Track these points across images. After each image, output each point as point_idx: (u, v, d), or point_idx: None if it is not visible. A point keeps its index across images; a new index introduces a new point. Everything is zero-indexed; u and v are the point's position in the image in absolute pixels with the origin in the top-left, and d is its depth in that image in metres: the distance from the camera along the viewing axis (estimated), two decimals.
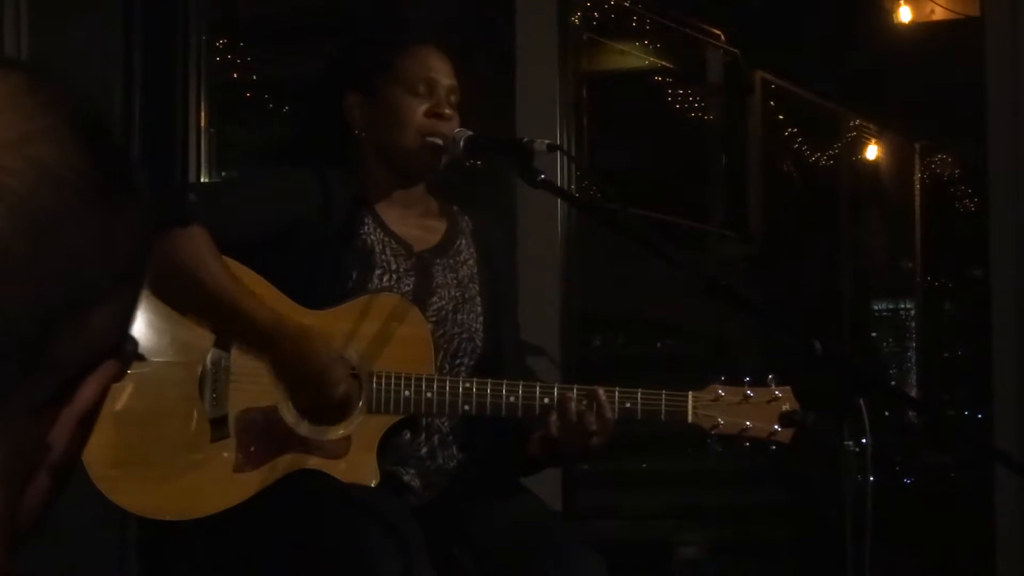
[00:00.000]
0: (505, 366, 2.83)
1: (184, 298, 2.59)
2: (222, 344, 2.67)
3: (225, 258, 2.64)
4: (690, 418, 2.70)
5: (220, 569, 2.72)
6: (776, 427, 2.68)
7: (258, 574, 2.64)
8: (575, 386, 2.67)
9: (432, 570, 2.52)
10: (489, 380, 2.69)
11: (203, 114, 4.28)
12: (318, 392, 2.61)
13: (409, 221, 2.85)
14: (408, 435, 2.75)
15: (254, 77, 6.79)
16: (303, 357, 2.59)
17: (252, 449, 2.64)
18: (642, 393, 2.67)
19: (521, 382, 2.69)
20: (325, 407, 2.63)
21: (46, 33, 3.94)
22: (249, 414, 2.66)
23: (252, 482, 2.63)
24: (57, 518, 0.92)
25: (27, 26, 3.90)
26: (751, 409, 2.69)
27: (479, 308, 2.85)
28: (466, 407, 2.67)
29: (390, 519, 2.54)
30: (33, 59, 3.80)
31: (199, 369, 2.65)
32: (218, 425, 2.65)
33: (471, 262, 2.89)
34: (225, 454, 2.64)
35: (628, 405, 2.67)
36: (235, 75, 6.64)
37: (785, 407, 2.69)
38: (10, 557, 0.84)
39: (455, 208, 2.95)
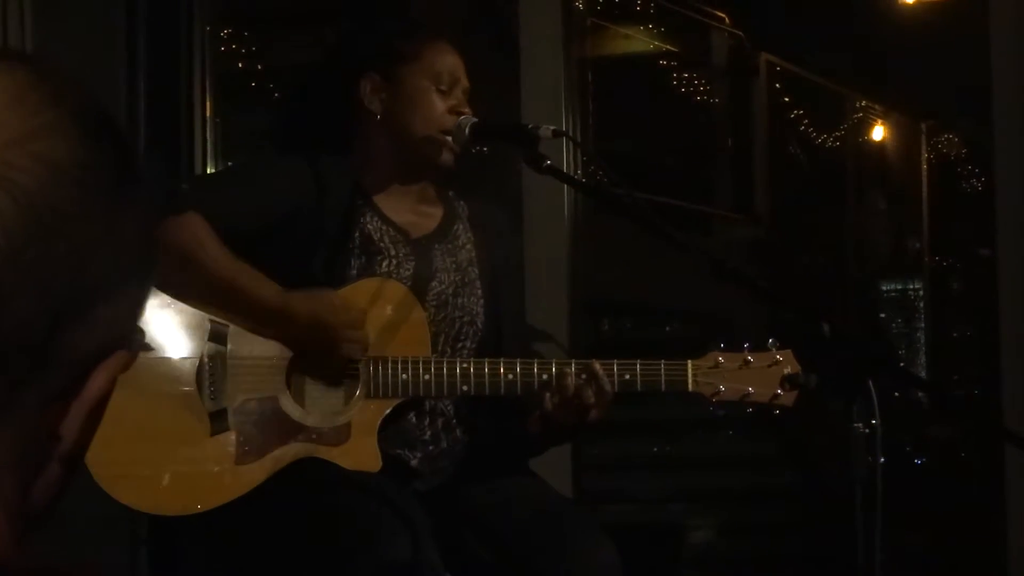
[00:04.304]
0: (505, 347, 2.83)
1: (186, 284, 2.60)
2: (218, 337, 2.66)
3: None
4: (691, 386, 2.69)
5: (229, 558, 2.72)
6: (778, 391, 2.68)
7: (266, 563, 2.65)
8: (572, 361, 2.67)
9: (438, 554, 2.52)
10: (486, 360, 2.69)
11: (208, 103, 4.28)
12: (333, 350, 2.63)
13: (405, 207, 2.84)
14: (412, 419, 2.75)
15: (259, 66, 6.78)
16: (318, 319, 2.61)
17: (253, 441, 2.64)
18: (641, 364, 2.67)
19: (519, 360, 2.69)
20: (336, 369, 2.65)
21: (50, 22, 3.93)
22: (248, 406, 2.66)
23: (254, 474, 2.63)
24: (66, 509, 0.92)
25: (31, 16, 3.90)
26: (752, 374, 2.69)
27: (479, 291, 2.86)
28: (464, 387, 2.67)
29: (395, 503, 2.54)
30: (37, 49, 3.80)
31: (196, 363, 2.65)
32: (217, 419, 2.64)
33: (469, 246, 2.89)
34: (226, 447, 2.63)
35: (627, 377, 2.66)
36: (240, 64, 6.63)
37: (787, 370, 2.68)
38: (21, 545, 0.84)
39: (451, 194, 2.95)
